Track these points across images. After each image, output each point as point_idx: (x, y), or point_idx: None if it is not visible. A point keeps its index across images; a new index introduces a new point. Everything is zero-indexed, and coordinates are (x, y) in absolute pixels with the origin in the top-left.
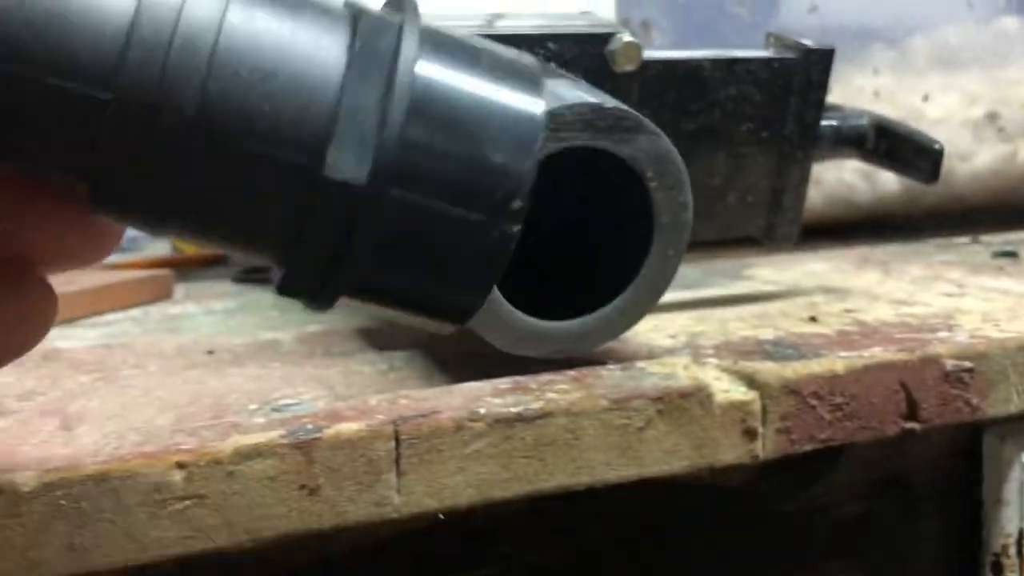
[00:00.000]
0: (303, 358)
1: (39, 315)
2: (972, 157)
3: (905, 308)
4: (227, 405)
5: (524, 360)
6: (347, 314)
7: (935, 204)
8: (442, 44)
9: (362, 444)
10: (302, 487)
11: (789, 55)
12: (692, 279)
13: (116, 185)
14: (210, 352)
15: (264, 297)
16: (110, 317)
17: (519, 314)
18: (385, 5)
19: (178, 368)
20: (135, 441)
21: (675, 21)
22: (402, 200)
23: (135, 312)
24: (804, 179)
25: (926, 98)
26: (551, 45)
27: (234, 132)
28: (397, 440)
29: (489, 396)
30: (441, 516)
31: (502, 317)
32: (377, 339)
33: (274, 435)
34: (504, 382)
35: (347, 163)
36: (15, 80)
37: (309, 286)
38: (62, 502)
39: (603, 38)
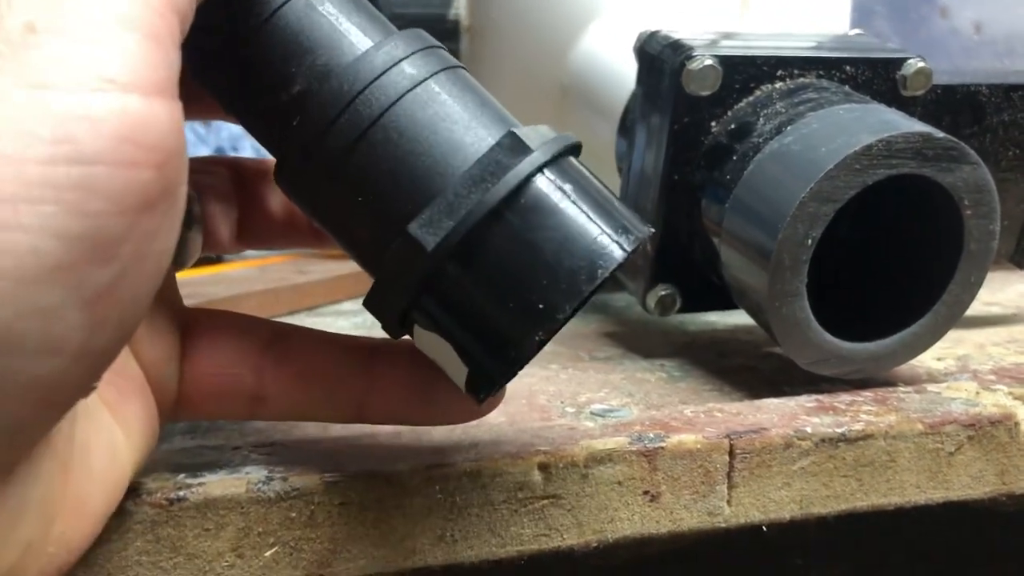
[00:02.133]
0: (575, 361)
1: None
2: None
3: None
4: (543, 406)
5: (800, 373)
6: (581, 317)
7: None
8: (566, 175)
9: (700, 455)
10: (645, 493)
11: None
12: None
13: (289, 171)
14: None
15: None
16: (347, 306)
17: (827, 335)
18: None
19: None
20: (488, 440)
21: (906, 38)
22: (456, 276)
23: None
24: None
25: None
26: (848, 68)
27: (372, 169)
28: (731, 453)
29: (804, 415)
30: (764, 528)
31: (811, 337)
32: (633, 346)
33: (621, 441)
34: (807, 400)
35: (425, 227)
36: None
37: (380, 308)
38: (439, 496)
39: (896, 63)
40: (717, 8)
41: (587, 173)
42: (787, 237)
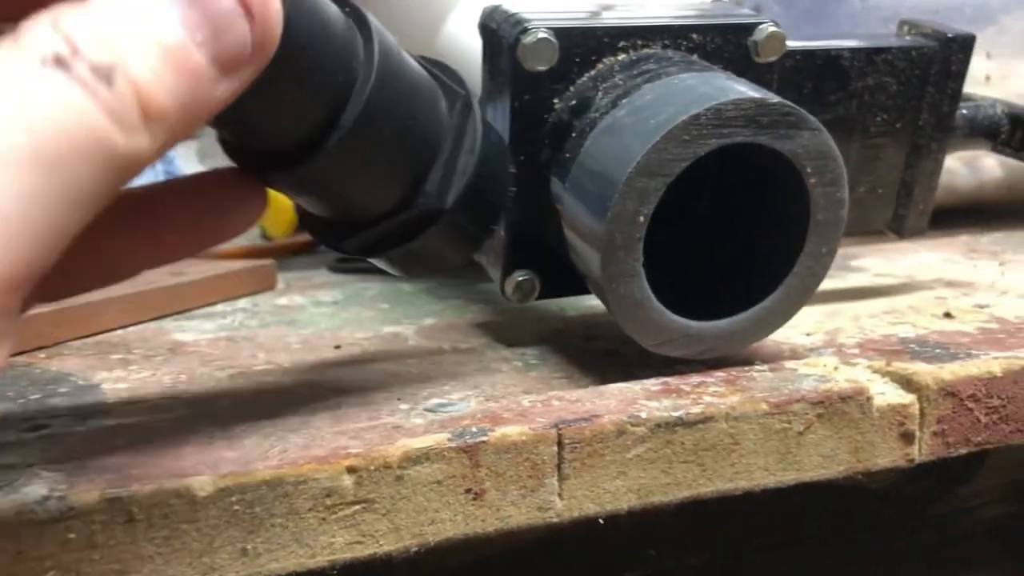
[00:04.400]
0: (434, 353)
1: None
2: None
3: None
4: (377, 403)
5: (659, 357)
6: (460, 308)
7: None
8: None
9: (526, 448)
10: (468, 491)
11: (928, 43)
12: None
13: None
14: (337, 347)
15: (367, 288)
16: (220, 308)
17: (671, 315)
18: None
19: (310, 364)
20: (300, 444)
21: (787, 7)
22: (454, 219)
23: (243, 303)
24: (936, 171)
25: None
26: (695, 36)
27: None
28: (560, 444)
29: (644, 399)
30: (601, 521)
31: (653, 317)
32: (500, 335)
33: (441, 438)
34: (653, 383)
35: (438, 190)
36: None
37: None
38: (236, 507)
39: (747, 28)
40: None
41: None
42: (616, 215)
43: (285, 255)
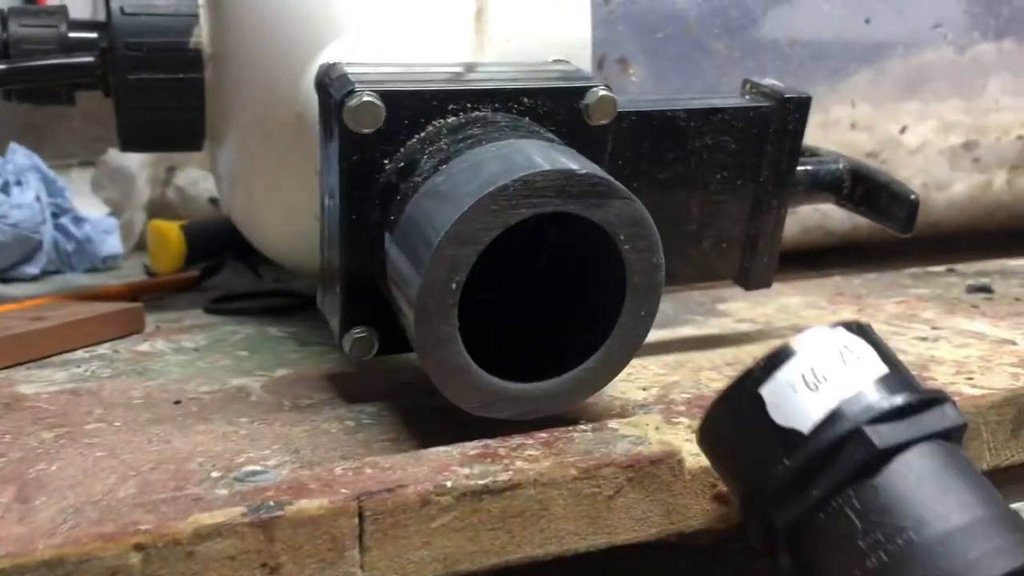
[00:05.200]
0: (270, 412)
1: None
2: (948, 186)
3: None
4: (190, 472)
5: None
6: (320, 356)
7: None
8: None
9: (324, 521)
10: (263, 566)
11: (765, 103)
12: (667, 316)
13: None
14: (177, 402)
15: (235, 332)
16: (80, 354)
17: (489, 377)
18: None
19: (144, 422)
20: (93, 518)
21: (652, 58)
22: None
23: (105, 348)
24: (779, 225)
25: (904, 130)
26: (526, 100)
27: None
28: (361, 516)
29: (457, 465)
30: None
31: (472, 380)
32: (346, 389)
33: (235, 513)
34: (473, 446)
35: None
36: None
37: None
38: None
39: (578, 92)
40: (448, 31)
41: None
42: (429, 282)
43: (169, 292)
